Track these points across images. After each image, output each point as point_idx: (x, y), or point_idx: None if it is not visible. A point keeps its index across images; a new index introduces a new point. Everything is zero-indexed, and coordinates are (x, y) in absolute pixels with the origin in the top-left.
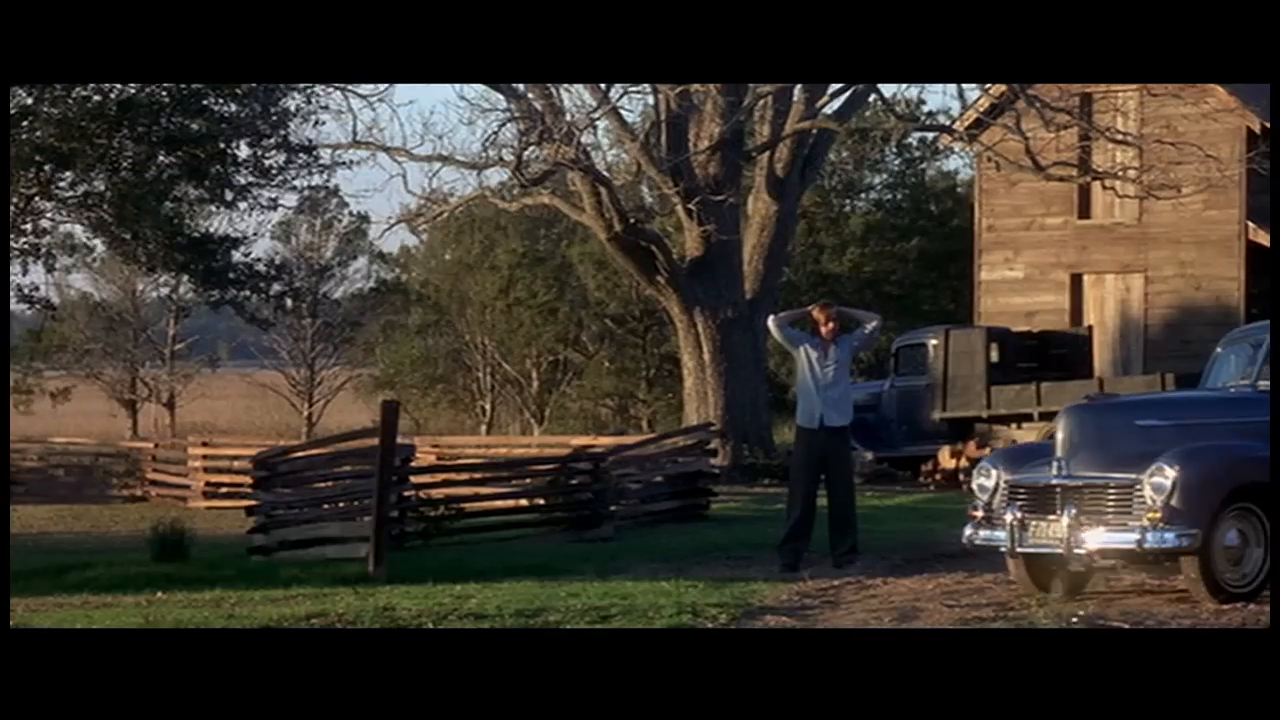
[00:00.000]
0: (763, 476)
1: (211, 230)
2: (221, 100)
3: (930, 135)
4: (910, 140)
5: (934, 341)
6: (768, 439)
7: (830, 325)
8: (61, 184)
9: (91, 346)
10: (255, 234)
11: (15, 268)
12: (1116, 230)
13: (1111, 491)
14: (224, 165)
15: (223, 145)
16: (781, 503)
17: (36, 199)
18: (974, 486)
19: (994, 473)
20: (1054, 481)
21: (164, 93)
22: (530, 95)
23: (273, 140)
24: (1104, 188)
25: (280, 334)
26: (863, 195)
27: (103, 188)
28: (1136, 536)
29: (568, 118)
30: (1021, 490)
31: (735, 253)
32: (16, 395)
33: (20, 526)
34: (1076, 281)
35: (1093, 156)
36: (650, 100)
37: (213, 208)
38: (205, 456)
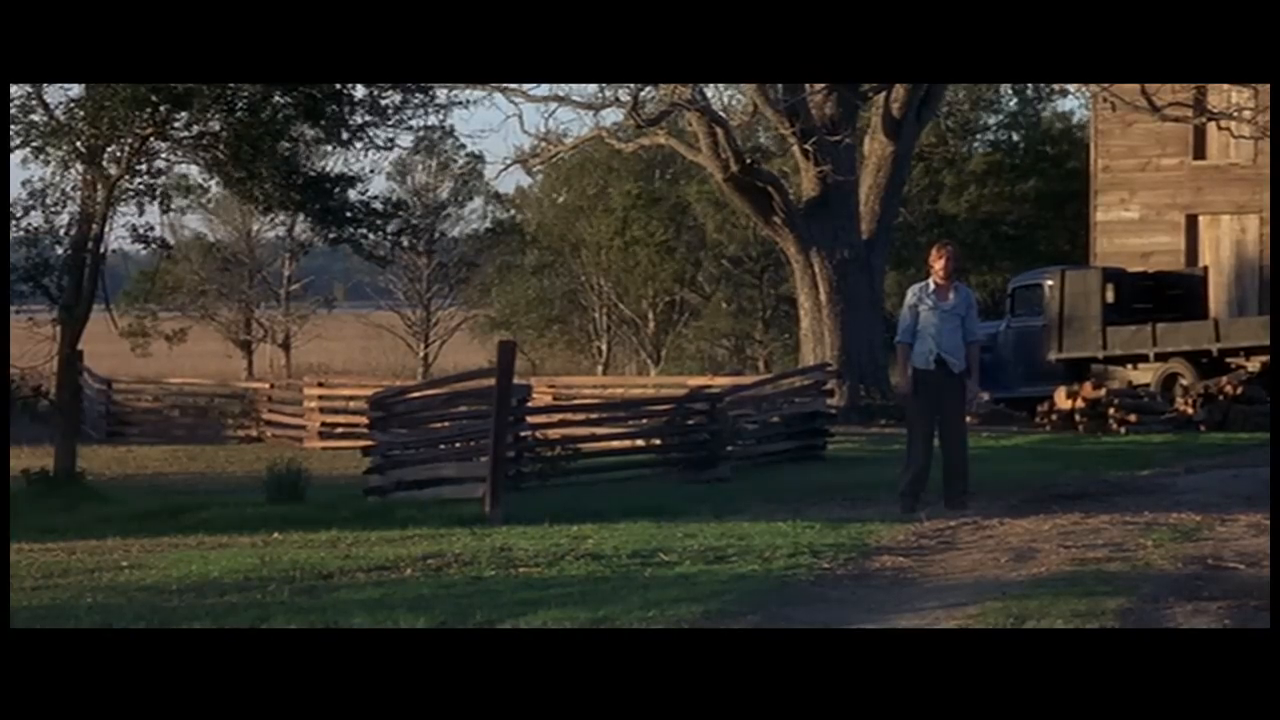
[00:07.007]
0: (879, 417)
1: (327, 170)
2: None
3: None
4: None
5: (1050, 282)
6: (884, 379)
7: (943, 263)
8: (177, 124)
9: (206, 288)
10: (371, 172)
11: (131, 208)
12: (1232, 171)
13: None
14: (340, 105)
15: (338, 85)
16: (898, 444)
17: (152, 139)
18: None
19: None
20: None
21: None
22: None
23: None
24: (1219, 128)
25: (396, 274)
26: (979, 136)
27: (218, 128)
28: None
29: None
30: None
31: (851, 193)
32: (132, 338)
33: (136, 467)
34: (1192, 222)
35: (1208, 97)
36: None
37: (328, 148)
38: (320, 397)
